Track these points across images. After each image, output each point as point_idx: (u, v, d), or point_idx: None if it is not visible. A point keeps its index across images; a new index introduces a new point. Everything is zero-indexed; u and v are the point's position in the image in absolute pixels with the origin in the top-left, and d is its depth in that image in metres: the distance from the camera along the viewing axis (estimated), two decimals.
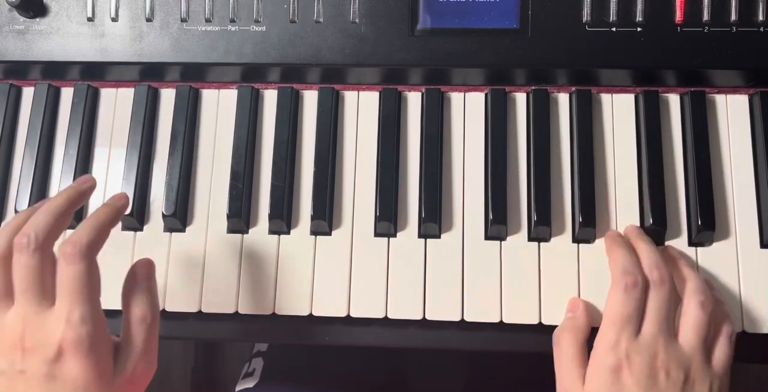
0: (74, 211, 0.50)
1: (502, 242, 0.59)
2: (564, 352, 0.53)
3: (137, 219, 0.60)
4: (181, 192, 0.60)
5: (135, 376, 0.48)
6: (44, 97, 0.63)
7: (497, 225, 0.58)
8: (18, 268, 0.46)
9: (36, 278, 0.46)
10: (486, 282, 0.58)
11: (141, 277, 0.50)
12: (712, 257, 0.58)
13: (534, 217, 0.58)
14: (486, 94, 0.62)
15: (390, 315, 0.58)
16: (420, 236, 0.59)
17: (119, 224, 0.61)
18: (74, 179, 0.60)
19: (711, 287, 0.56)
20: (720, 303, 0.55)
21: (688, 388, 0.49)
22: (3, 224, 0.50)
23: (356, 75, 0.63)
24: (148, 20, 0.62)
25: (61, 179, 0.61)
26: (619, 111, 0.62)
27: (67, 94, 0.64)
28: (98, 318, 0.46)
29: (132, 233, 0.61)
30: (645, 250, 0.54)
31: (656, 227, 0.57)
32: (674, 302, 0.52)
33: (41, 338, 0.45)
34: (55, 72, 0.64)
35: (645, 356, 0.49)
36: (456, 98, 0.63)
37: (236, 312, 0.58)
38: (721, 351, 0.52)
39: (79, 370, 0.45)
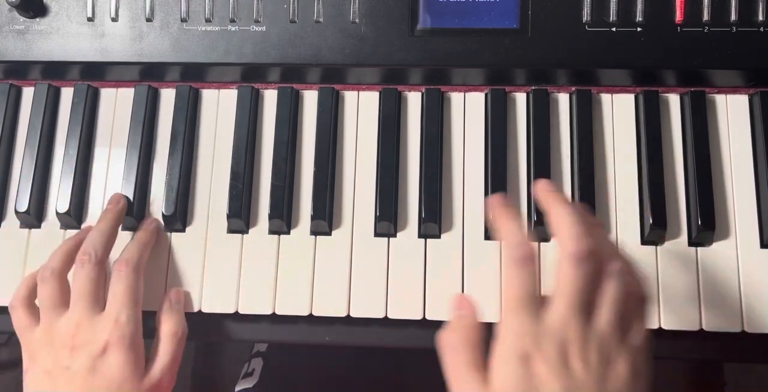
0: (118, 230, 0.59)
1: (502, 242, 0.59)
2: (457, 357, 0.46)
3: (137, 219, 0.60)
4: (181, 192, 0.60)
5: (160, 385, 0.54)
6: (44, 97, 0.63)
7: None
8: (79, 278, 0.55)
9: (93, 288, 0.54)
10: (486, 282, 0.58)
11: (175, 300, 0.58)
12: (712, 257, 0.58)
13: (534, 217, 0.58)
14: (486, 94, 0.62)
15: (390, 315, 0.58)
16: (420, 236, 0.59)
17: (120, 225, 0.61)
18: (74, 179, 0.61)
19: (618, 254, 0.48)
20: (632, 273, 0.47)
21: (609, 371, 0.43)
22: (58, 246, 0.58)
23: (356, 75, 0.63)
24: (148, 20, 0.62)
25: (61, 179, 0.61)
26: (619, 111, 0.62)
27: (67, 94, 0.64)
28: (139, 322, 0.54)
29: (132, 233, 0.61)
30: (563, 220, 0.46)
31: (656, 227, 0.57)
32: (595, 278, 0.45)
33: (91, 336, 0.53)
34: (55, 72, 0.64)
35: (556, 341, 0.43)
36: (456, 98, 0.63)
37: (236, 312, 0.58)
38: (639, 325, 0.46)
39: (119, 364, 0.52)
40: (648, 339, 0.45)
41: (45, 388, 0.52)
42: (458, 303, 0.50)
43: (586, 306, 0.44)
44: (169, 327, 0.56)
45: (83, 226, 0.61)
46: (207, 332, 0.60)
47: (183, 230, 0.60)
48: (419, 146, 0.61)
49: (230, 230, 0.60)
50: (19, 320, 0.56)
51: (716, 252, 0.58)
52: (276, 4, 0.61)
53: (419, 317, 0.57)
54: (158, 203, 0.61)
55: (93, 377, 0.52)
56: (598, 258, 0.45)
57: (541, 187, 0.50)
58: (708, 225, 0.57)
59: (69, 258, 0.56)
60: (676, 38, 0.59)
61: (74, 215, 0.61)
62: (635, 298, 0.46)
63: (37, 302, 0.56)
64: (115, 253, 0.58)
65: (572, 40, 0.60)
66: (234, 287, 0.59)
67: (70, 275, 0.56)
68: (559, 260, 0.45)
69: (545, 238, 0.59)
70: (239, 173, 0.60)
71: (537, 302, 0.45)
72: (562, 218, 0.46)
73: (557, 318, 0.44)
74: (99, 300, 0.55)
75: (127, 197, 0.60)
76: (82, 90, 0.63)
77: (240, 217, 0.59)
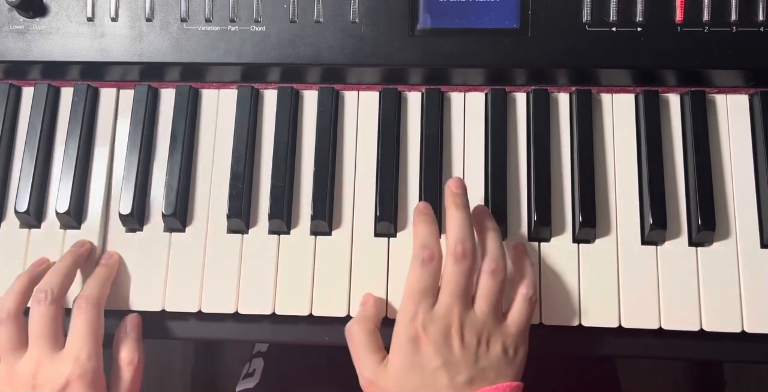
0: (77, 270, 0.58)
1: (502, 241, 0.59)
2: (357, 342, 0.54)
3: (137, 219, 0.60)
4: (181, 192, 0.60)
5: None
6: (44, 97, 0.63)
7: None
8: (36, 318, 0.54)
9: (51, 326, 0.55)
10: None
11: (131, 327, 0.58)
12: (712, 257, 0.58)
13: (534, 217, 0.58)
14: (486, 94, 0.62)
15: (390, 315, 0.57)
16: None
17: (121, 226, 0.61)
18: (74, 179, 0.61)
19: (521, 252, 0.57)
20: (523, 266, 0.56)
21: (482, 350, 0.52)
22: (11, 286, 0.57)
23: (356, 75, 0.63)
24: (148, 20, 0.62)
25: (60, 179, 0.61)
26: (619, 111, 0.62)
27: (67, 94, 0.64)
28: (100, 358, 0.55)
29: (132, 234, 0.61)
30: (453, 224, 0.54)
31: (656, 227, 0.57)
32: (474, 274, 0.53)
33: (52, 374, 0.53)
34: (55, 72, 0.64)
35: (440, 325, 0.51)
36: (456, 98, 0.63)
37: (236, 312, 0.58)
38: (517, 312, 0.54)
39: None
40: (526, 328, 0.54)
41: None
42: (363, 299, 0.57)
43: (467, 296, 0.53)
44: (125, 355, 0.57)
45: (80, 229, 0.61)
46: (207, 332, 0.60)
47: (183, 230, 0.60)
48: (419, 146, 0.61)
49: (230, 230, 0.60)
50: None
51: (716, 252, 0.58)
52: (276, 4, 0.61)
53: None
54: (158, 203, 0.61)
55: None
56: (476, 256, 0.53)
57: (450, 186, 0.55)
58: (708, 225, 0.57)
59: (23, 297, 0.56)
60: (676, 38, 0.59)
61: (74, 215, 0.61)
62: (524, 300, 0.54)
63: None
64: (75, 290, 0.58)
65: (572, 40, 0.60)
66: (234, 287, 0.59)
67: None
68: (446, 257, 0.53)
69: (545, 238, 0.59)
70: (239, 173, 0.60)
71: (433, 295, 0.53)
72: (452, 222, 0.54)
73: (442, 306, 0.52)
74: (58, 337, 0.55)
75: (90, 242, 0.60)
76: (81, 90, 0.63)
77: (240, 217, 0.59)
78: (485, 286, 0.53)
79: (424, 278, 0.52)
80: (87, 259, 0.60)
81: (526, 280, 0.55)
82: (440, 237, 0.56)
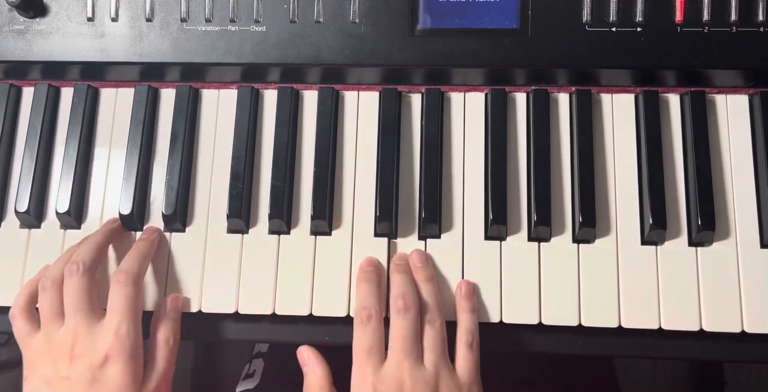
0: (109, 245, 0.59)
1: (502, 242, 0.59)
2: None
3: (137, 219, 0.60)
4: (181, 192, 0.60)
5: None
6: (44, 97, 0.63)
7: (497, 225, 0.58)
8: (69, 288, 0.55)
9: (85, 298, 0.54)
10: (486, 282, 0.58)
11: (171, 307, 0.58)
12: (712, 257, 0.58)
13: (534, 217, 0.58)
14: (486, 95, 0.62)
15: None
16: (420, 237, 0.59)
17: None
18: (74, 179, 0.61)
19: (461, 295, 0.57)
20: (460, 310, 0.56)
21: None
22: (60, 256, 0.58)
23: (356, 75, 0.63)
24: (148, 20, 0.62)
25: (61, 179, 0.61)
26: (619, 111, 0.62)
27: (67, 94, 0.64)
28: (139, 333, 0.55)
29: (132, 233, 0.61)
30: (394, 283, 0.56)
31: (656, 227, 0.57)
32: (419, 325, 0.54)
33: (90, 346, 0.53)
34: (55, 72, 0.64)
35: (391, 385, 0.52)
36: (456, 98, 0.63)
37: (236, 312, 0.58)
38: (463, 360, 0.54)
39: (120, 375, 0.53)
40: (476, 374, 0.54)
41: None
42: (300, 359, 0.57)
43: (416, 348, 0.53)
44: (163, 335, 0.57)
45: (80, 229, 0.61)
46: (207, 332, 0.60)
47: (183, 230, 0.60)
48: (419, 145, 0.61)
49: (230, 230, 0.60)
50: (19, 329, 0.56)
51: (716, 252, 0.58)
52: (276, 4, 0.61)
53: None
54: (158, 203, 0.61)
55: (92, 387, 0.52)
56: (418, 308, 0.54)
57: (393, 260, 0.58)
58: (708, 225, 0.57)
59: (62, 270, 0.56)
60: (676, 38, 0.59)
61: (74, 215, 0.61)
62: (466, 347, 0.55)
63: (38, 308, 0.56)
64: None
65: (572, 40, 0.60)
66: (234, 287, 0.59)
67: None
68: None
69: (545, 238, 0.59)
70: (239, 173, 0.60)
71: (378, 352, 0.53)
72: (393, 282, 0.56)
73: (392, 365, 0.52)
74: (94, 309, 0.55)
75: (130, 213, 0.60)
76: (82, 90, 0.63)
77: (240, 217, 0.59)
78: (428, 337, 0.54)
79: (366, 338, 0.53)
80: (120, 236, 0.60)
81: (464, 326, 0.56)
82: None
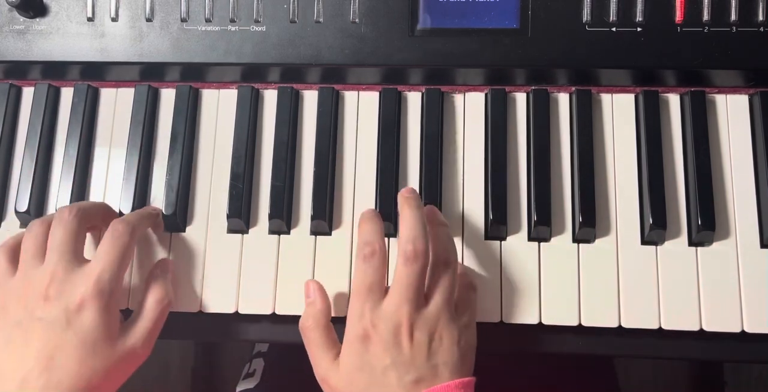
0: (104, 205, 0.58)
1: (502, 242, 0.59)
2: (311, 340, 0.54)
3: None
4: (181, 192, 0.60)
5: (134, 352, 0.53)
6: (44, 97, 0.63)
7: (497, 225, 0.58)
8: (56, 230, 0.53)
9: (69, 240, 0.52)
10: (485, 282, 0.58)
11: (162, 269, 0.57)
12: (712, 257, 0.58)
13: (534, 217, 0.58)
14: (486, 95, 0.62)
15: None
16: None
17: None
18: (74, 179, 0.61)
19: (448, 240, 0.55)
20: (462, 267, 0.57)
21: (435, 346, 0.51)
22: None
23: (356, 75, 0.63)
24: (148, 20, 0.62)
25: (61, 179, 0.61)
26: (619, 111, 0.62)
27: (67, 94, 0.64)
28: (120, 286, 0.53)
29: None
30: (405, 223, 0.53)
31: (656, 227, 0.57)
32: (425, 274, 0.52)
33: (67, 288, 0.51)
34: (55, 72, 0.64)
35: (389, 324, 0.50)
36: (456, 98, 0.63)
37: (236, 312, 0.58)
38: (466, 308, 0.54)
39: (94, 322, 0.50)
40: (473, 319, 0.54)
41: (16, 340, 0.50)
42: (306, 291, 0.57)
43: (418, 296, 0.51)
44: (155, 293, 0.55)
45: None
46: (207, 332, 0.60)
47: (183, 230, 0.60)
48: (419, 145, 0.61)
49: (230, 230, 0.60)
50: None
51: (716, 252, 0.58)
52: (276, 4, 0.61)
53: None
54: (158, 203, 0.61)
55: (65, 332, 0.50)
56: (428, 256, 0.52)
57: (402, 192, 0.56)
58: (708, 225, 0.57)
59: None
60: (676, 38, 0.59)
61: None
62: (466, 288, 0.55)
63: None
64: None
65: (572, 40, 0.60)
66: (234, 287, 0.59)
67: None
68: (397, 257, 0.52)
69: (545, 238, 0.59)
70: (239, 173, 0.60)
71: (379, 291, 0.52)
72: (404, 221, 0.53)
73: (391, 305, 0.51)
74: (77, 253, 0.53)
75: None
76: (82, 90, 0.63)
77: (240, 217, 0.59)
78: (442, 283, 0.52)
79: (367, 275, 0.52)
80: (147, 224, 0.58)
81: (461, 267, 0.56)
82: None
